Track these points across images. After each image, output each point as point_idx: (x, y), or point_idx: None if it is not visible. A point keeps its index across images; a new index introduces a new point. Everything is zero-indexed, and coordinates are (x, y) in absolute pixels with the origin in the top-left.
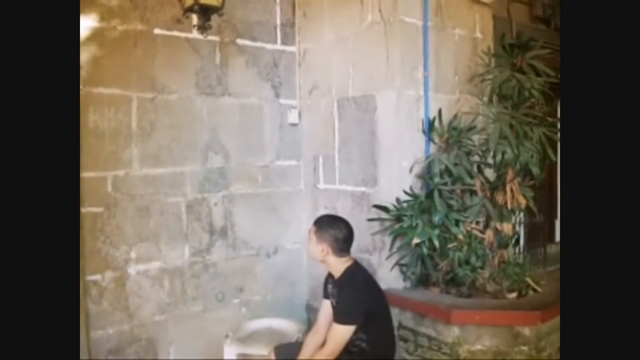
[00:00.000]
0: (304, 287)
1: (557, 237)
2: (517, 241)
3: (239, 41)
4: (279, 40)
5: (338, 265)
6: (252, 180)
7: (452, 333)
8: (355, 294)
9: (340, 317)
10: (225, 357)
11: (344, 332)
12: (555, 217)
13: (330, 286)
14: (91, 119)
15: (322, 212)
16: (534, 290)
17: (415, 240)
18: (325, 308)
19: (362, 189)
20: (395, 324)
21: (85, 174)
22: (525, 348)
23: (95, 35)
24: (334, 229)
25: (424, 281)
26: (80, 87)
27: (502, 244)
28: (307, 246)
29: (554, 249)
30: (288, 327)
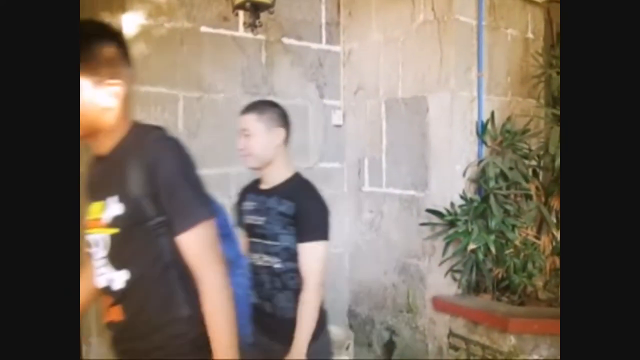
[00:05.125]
0: (345, 293)
1: None
2: None
3: (285, 40)
4: (324, 40)
5: (285, 167)
6: None
7: (508, 342)
8: (321, 201)
9: (314, 230)
10: None
11: (323, 251)
12: None
13: (253, 203)
14: (137, 118)
15: (367, 215)
16: None
17: (472, 246)
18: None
19: (412, 192)
20: (445, 331)
21: None
22: None
23: (143, 32)
24: (279, 107)
25: (474, 288)
26: None
27: (556, 250)
28: (250, 146)
29: None
30: (336, 333)
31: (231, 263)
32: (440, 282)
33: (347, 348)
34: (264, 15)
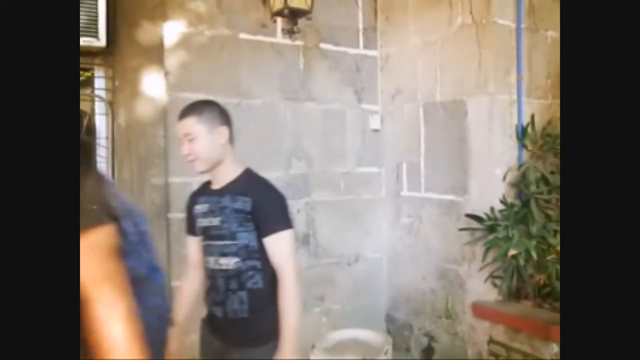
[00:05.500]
0: (384, 297)
1: None
2: None
3: (322, 45)
4: (361, 45)
5: (234, 165)
6: (334, 187)
7: (550, 350)
8: (276, 191)
9: (276, 220)
10: None
11: (291, 239)
12: None
13: (206, 205)
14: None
15: (405, 220)
16: None
17: (512, 252)
18: (196, 246)
19: (451, 197)
20: (485, 338)
21: (171, 179)
22: None
23: (184, 40)
24: (217, 105)
25: (514, 294)
26: (169, 92)
27: None
28: (196, 150)
29: None
30: (374, 338)
31: (141, 280)
32: (480, 288)
33: (386, 353)
34: (301, 22)
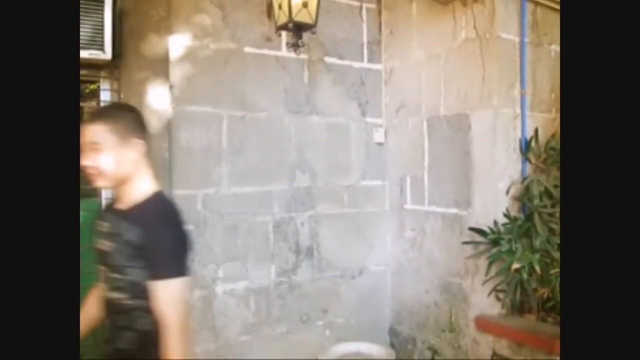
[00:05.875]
0: (387, 311)
1: None
2: None
3: (327, 59)
4: (365, 58)
5: (144, 185)
6: (337, 200)
7: None
8: (178, 228)
9: (166, 265)
10: None
11: (180, 290)
12: None
13: (106, 224)
14: (183, 136)
15: (409, 233)
16: None
17: (515, 265)
18: None
19: (454, 210)
20: (488, 352)
21: (177, 192)
22: None
23: (189, 53)
24: (134, 113)
25: (518, 308)
26: (174, 105)
27: None
28: (101, 163)
29: None
30: (377, 352)
31: None
32: (484, 302)
33: None
34: (306, 35)
